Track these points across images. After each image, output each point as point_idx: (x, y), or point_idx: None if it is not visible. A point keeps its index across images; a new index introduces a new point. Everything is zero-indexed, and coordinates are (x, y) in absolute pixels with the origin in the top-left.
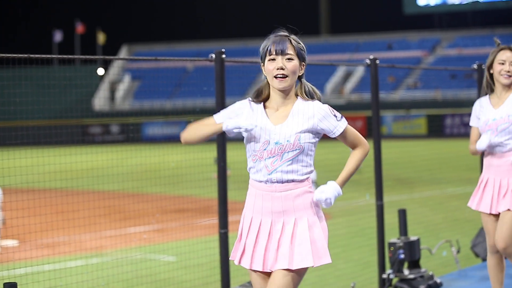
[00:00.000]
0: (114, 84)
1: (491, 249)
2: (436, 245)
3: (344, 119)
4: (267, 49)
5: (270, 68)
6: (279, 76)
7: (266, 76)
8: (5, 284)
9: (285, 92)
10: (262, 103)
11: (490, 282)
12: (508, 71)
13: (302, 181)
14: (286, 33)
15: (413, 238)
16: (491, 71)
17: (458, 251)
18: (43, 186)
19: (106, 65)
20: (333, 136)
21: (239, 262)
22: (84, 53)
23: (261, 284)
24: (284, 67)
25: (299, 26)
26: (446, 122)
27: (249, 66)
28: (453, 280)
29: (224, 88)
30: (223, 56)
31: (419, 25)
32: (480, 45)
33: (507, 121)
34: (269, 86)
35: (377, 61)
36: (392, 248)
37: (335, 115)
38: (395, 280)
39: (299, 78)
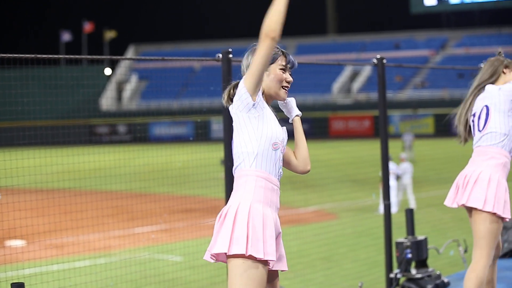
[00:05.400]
0: (121, 84)
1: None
2: (444, 245)
3: None
4: (278, 56)
5: (282, 76)
6: (286, 88)
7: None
8: (12, 284)
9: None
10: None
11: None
12: None
13: None
14: None
15: (420, 237)
16: None
17: (466, 251)
18: (50, 187)
19: (113, 65)
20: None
21: (265, 255)
22: (91, 53)
23: (264, 281)
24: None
25: (306, 25)
26: (454, 122)
27: None
28: (461, 280)
29: None
30: (230, 56)
31: (426, 24)
32: (487, 44)
33: None
34: (265, 86)
35: (384, 61)
36: (399, 248)
37: None
38: (402, 280)
39: None
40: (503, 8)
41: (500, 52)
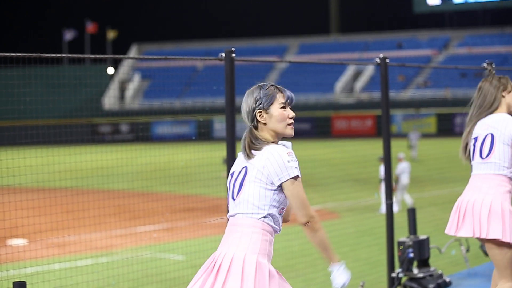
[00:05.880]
0: (124, 83)
1: None
2: (446, 244)
3: None
4: (275, 94)
5: (285, 115)
6: (292, 124)
7: (260, 122)
8: (14, 283)
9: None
10: None
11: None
12: None
13: None
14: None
15: (422, 237)
16: None
17: (467, 250)
18: (52, 185)
19: (116, 64)
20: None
21: None
22: (94, 52)
23: None
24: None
25: (308, 25)
26: (456, 121)
27: (259, 65)
28: (463, 279)
29: (234, 87)
30: (233, 55)
31: (429, 24)
32: (490, 44)
33: None
34: (269, 133)
35: (387, 60)
36: (401, 247)
37: None
38: (404, 279)
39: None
40: (506, 8)
41: (490, 69)
